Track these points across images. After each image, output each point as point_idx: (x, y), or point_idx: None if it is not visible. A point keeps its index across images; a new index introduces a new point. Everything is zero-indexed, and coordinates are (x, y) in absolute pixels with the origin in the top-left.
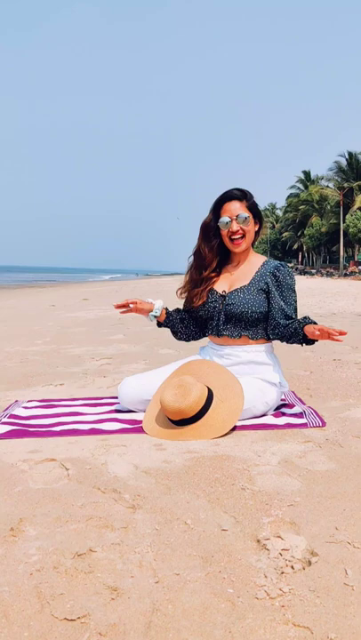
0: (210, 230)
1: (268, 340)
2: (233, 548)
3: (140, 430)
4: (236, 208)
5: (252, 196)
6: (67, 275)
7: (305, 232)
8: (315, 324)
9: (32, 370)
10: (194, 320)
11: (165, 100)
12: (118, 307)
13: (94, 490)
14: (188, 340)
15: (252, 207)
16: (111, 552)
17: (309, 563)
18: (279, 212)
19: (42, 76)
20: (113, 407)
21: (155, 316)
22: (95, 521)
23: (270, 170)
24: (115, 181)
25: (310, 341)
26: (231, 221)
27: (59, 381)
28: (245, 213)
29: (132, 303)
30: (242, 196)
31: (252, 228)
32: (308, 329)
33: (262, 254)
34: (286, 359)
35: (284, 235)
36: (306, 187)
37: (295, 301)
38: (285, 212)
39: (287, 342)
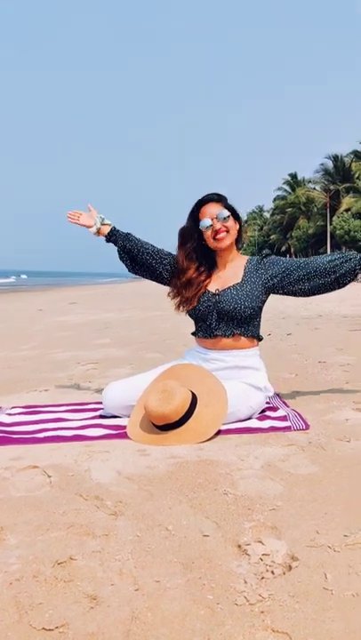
0: (186, 235)
1: (256, 340)
2: (214, 553)
3: (125, 436)
4: (214, 209)
5: (226, 198)
6: (65, 279)
7: (292, 234)
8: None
9: (17, 375)
10: (148, 264)
11: (150, 102)
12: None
13: (76, 497)
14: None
15: (229, 207)
16: (92, 560)
17: (290, 567)
18: (267, 215)
19: (36, 72)
20: (97, 413)
21: (97, 222)
22: (76, 528)
23: (257, 172)
24: (103, 183)
25: None
26: (213, 222)
27: (44, 387)
28: (225, 211)
29: (76, 214)
30: (218, 198)
31: (233, 225)
32: None
33: (250, 256)
34: (272, 362)
35: (271, 237)
36: (293, 189)
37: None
38: (273, 214)
39: (333, 279)
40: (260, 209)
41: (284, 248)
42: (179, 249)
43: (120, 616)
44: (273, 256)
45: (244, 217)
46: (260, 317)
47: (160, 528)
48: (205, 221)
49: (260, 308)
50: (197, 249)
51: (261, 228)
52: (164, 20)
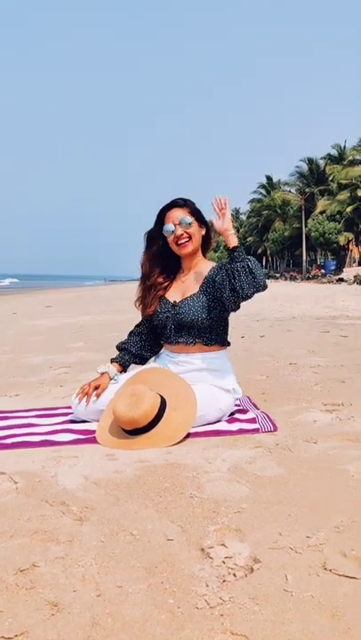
0: (151, 239)
1: (223, 346)
2: (177, 557)
3: (94, 441)
4: (177, 214)
5: (193, 203)
6: (53, 282)
7: (268, 237)
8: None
9: None
10: (153, 335)
11: (120, 99)
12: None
13: (42, 503)
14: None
15: (195, 212)
16: (55, 566)
17: (251, 570)
18: (243, 217)
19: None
20: (67, 418)
21: (116, 379)
22: (40, 535)
23: (233, 176)
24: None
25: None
26: (175, 227)
27: (14, 392)
28: (188, 218)
29: (95, 390)
30: (182, 203)
31: (196, 231)
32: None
33: (226, 259)
34: (243, 364)
35: (248, 239)
36: (268, 192)
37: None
38: (249, 217)
39: (239, 283)
40: (237, 211)
41: (260, 250)
42: (144, 253)
43: (80, 622)
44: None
45: None
46: (224, 325)
47: (125, 533)
48: (169, 226)
49: (222, 317)
50: (162, 252)
51: (238, 231)
52: (163, 21)
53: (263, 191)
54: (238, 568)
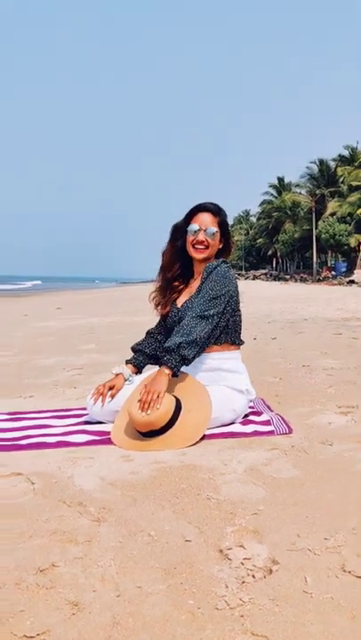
0: (177, 232)
1: (234, 344)
2: (195, 558)
3: (109, 442)
4: (207, 220)
5: (225, 215)
6: (72, 284)
7: (279, 238)
8: (168, 366)
9: (0, 382)
10: (168, 336)
11: (133, 103)
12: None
13: (60, 504)
14: None
15: (222, 224)
16: (74, 566)
17: (270, 571)
18: (253, 219)
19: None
20: (82, 419)
21: (130, 380)
22: (59, 535)
23: (243, 177)
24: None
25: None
26: (199, 230)
27: (28, 393)
28: (214, 228)
29: (109, 391)
30: (216, 211)
31: (216, 243)
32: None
33: (237, 260)
34: (256, 366)
35: (258, 241)
36: (280, 193)
37: (211, 296)
38: (259, 218)
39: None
40: (247, 213)
41: (270, 252)
42: (169, 244)
43: (101, 622)
44: (215, 273)
45: (230, 221)
46: (233, 322)
47: (143, 534)
48: (194, 226)
49: (224, 314)
50: (184, 248)
51: (248, 233)
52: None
53: (274, 192)
54: (257, 569)
